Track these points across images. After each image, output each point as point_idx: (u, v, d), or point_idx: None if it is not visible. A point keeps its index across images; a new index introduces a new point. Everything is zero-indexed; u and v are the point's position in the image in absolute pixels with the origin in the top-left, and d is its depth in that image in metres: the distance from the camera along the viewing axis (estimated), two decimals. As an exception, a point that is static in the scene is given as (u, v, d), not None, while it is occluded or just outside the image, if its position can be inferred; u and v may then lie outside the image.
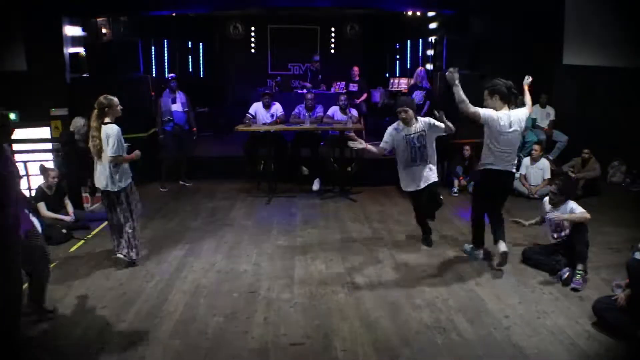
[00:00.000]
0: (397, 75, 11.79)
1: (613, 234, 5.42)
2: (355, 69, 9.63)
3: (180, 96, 7.68)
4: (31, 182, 6.62)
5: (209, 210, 6.56)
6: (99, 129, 4.56)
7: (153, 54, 9.83)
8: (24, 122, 7.34)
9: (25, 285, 3.63)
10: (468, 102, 4.33)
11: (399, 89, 10.47)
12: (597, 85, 8.08)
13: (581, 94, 8.40)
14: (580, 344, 3.38)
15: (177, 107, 7.64)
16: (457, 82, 4.34)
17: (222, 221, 6.11)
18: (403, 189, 5.07)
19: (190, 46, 11.77)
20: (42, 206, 5.66)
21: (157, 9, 8.37)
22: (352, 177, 7.37)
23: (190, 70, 11.70)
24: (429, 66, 9.58)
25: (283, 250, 5.17)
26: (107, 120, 4.57)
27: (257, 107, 7.60)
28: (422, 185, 4.86)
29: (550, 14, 8.38)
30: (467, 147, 7.41)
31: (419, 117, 4.89)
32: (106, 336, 3.52)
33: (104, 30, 8.76)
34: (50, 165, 6.23)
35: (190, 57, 11.76)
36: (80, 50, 7.96)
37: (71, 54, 7.77)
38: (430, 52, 9.90)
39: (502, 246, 4.47)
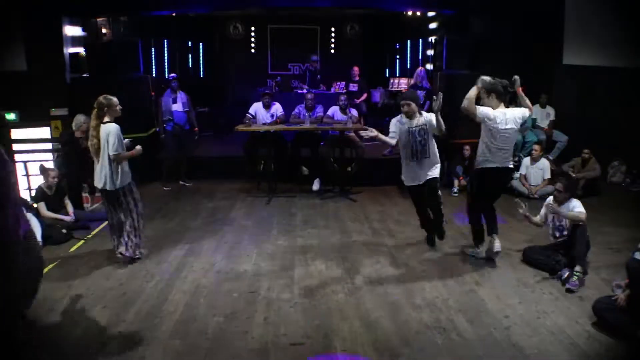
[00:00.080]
0: (397, 75, 11.79)
1: (613, 234, 5.42)
2: (355, 69, 9.63)
3: (181, 96, 7.69)
4: (31, 182, 6.63)
5: (209, 210, 6.56)
6: (97, 129, 4.58)
7: (153, 54, 9.83)
8: (24, 122, 7.35)
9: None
10: (470, 99, 4.50)
11: (399, 89, 10.46)
12: (597, 85, 8.08)
13: (581, 94, 8.40)
14: (580, 344, 3.38)
15: (177, 106, 7.65)
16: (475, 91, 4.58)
17: (222, 221, 6.12)
18: (405, 183, 5.05)
19: (190, 46, 11.76)
20: (42, 206, 5.66)
21: (157, 9, 8.37)
22: (352, 177, 7.37)
23: (190, 70, 11.69)
24: (429, 66, 9.58)
25: (283, 250, 5.17)
26: (106, 119, 4.59)
27: (257, 107, 7.60)
28: (423, 180, 4.86)
29: (550, 14, 8.38)
30: (467, 147, 7.41)
31: (422, 112, 4.87)
32: (106, 336, 3.52)
33: (104, 30, 8.76)
34: (50, 165, 6.24)
35: (190, 57, 11.76)
36: (80, 50, 7.96)
37: (71, 54, 7.78)
38: (430, 52, 9.90)
39: (497, 245, 4.69)
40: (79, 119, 6.20)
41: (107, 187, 4.65)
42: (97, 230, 5.81)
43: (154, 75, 9.22)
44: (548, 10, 8.31)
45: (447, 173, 7.57)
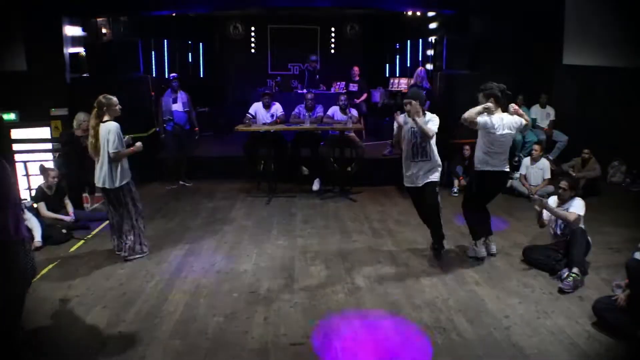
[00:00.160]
0: (397, 75, 11.79)
1: (613, 234, 5.42)
2: (355, 69, 9.63)
3: (181, 96, 7.69)
4: (31, 182, 6.62)
5: (209, 210, 6.56)
6: (97, 128, 4.59)
7: (153, 54, 9.83)
8: (24, 122, 7.35)
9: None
10: (472, 114, 4.55)
11: (399, 89, 10.47)
12: (597, 85, 8.08)
13: (581, 94, 8.41)
14: (580, 344, 3.38)
15: (177, 106, 7.65)
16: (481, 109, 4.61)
17: (222, 221, 6.11)
18: (404, 184, 4.96)
19: (190, 46, 11.76)
20: (42, 206, 5.66)
21: (157, 9, 8.37)
22: (352, 177, 7.37)
23: (190, 70, 11.69)
24: (429, 66, 9.58)
25: (283, 250, 5.17)
26: (106, 118, 4.61)
27: (257, 107, 7.60)
28: (421, 183, 4.76)
29: (550, 14, 8.38)
30: (467, 147, 7.41)
31: (427, 112, 4.75)
32: (106, 336, 3.52)
33: (104, 30, 8.77)
34: (50, 165, 6.24)
35: (190, 57, 11.76)
36: (80, 50, 7.96)
37: (71, 54, 7.78)
38: (430, 52, 9.90)
39: (493, 248, 4.94)
40: (80, 117, 6.21)
41: (107, 186, 4.67)
42: (97, 230, 5.81)
43: (154, 75, 9.23)
44: (548, 10, 8.31)
45: (447, 173, 7.57)
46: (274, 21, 12.22)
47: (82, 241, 5.42)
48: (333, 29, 12.57)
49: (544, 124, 8.64)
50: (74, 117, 6.41)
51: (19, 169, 6.62)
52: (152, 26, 9.53)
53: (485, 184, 4.74)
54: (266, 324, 3.67)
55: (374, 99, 10.82)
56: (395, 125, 4.86)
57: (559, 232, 4.62)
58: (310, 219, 6.21)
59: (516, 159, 8.07)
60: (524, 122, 4.66)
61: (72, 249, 5.23)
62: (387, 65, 12.65)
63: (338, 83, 9.77)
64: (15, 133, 7.12)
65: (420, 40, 10.51)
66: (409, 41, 11.26)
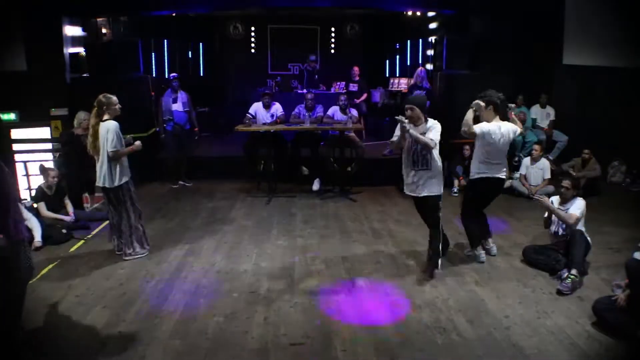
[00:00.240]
0: (397, 75, 11.78)
1: (613, 234, 5.42)
2: (355, 69, 9.63)
3: (181, 96, 7.69)
4: (31, 182, 6.63)
5: (209, 210, 6.56)
6: (96, 127, 4.60)
7: (153, 54, 9.83)
8: (24, 122, 7.35)
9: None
10: (470, 124, 4.57)
11: (399, 89, 10.47)
12: (597, 85, 8.08)
13: (581, 94, 8.41)
14: (580, 344, 3.38)
15: (177, 106, 7.65)
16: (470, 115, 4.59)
17: (222, 221, 6.11)
18: (405, 191, 4.70)
19: (190, 46, 11.76)
20: (42, 206, 5.66)
21: (157, 9, 8.37)
22: (352, 177, 7.37)
23: (190, 70, 11.69)
24: (429, 66, 9.58)
25: (283, 250, 5.17)
26: (105, 118, 4.62)
27: (257, 107, 7.60)
28: (422, 194, 4.46)
29: (550, 14, 8.38)
30: (467, 147, 7.41)
31: (429, 119, 4.44)
32: (106, 336, 3.52)
33: (104, 30, 8.77)
34: (50, 165, 6.24)
35: (190, 57, 11.76)
36: (80, 50, 7.96)
37: (71, 54, 7.78)
38: (430, 52, 9.91)
39: (493, 249, 4.94)
40: (80, 116, 6.21)
41: (107, 185, 4.69)
42: (97, 230, 5.81)
43: (154, 75, 9.22)
44: (548, 10, 8.31)
45: (447, 173, 7.57)
46: (274, 21, 12.22)
47: (82, 241, 5.42)
48: (333, 29, 12.57)
49: (544, 124, 8.65)
50: (74, 117, 6.42)
51: (19, 169, 6.62)
52: (152, 26, 9.53)
53: (481, 191, 4.78)
54: (266, 324, 3.67)
55: (374, 99, 10.82)
56: (397, 132, 4.50)
57: (560, 232, 4.61)
58: (310, 219, 6.21)
59: (516, 159, 8.08)
60: (518, 130, 4.73)
61: (72, 249, 5.22)
62: (387, 65, 12.65)
63: (338, 83, 9.77)
64: (15, 133, 7.13)
65: (420, 40, 10.51)
66: (409, 41, 11.26)
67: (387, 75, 12.32)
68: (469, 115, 4.58)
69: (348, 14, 12.25)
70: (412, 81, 8.43)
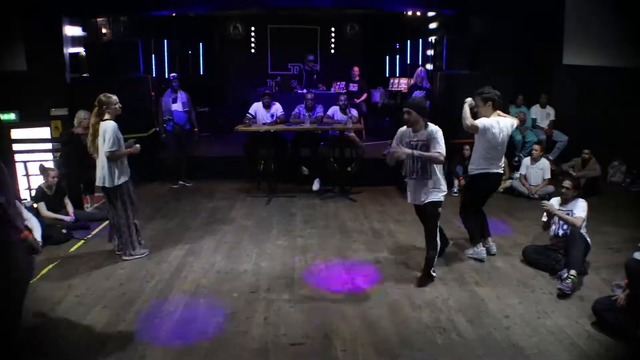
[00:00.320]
0: (397, 75, 11.79)
1: (613, 234, 5.42)
2: (355, 69, 9.63)
3: (181, 96, 7.69)
4: (31, 182, 6.62)
5: (209, 210, 6.56)
6: (96, 126, 4.61)
7: (153, 54, 9.83)
8: (24, 122, 7.35)
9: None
10: (468, 117, 4.62)
11: (399, 89, 10.47)
12: (597, 85, 8.09)
13: (581, 94, 8.41)
14: (580, 344, 3.38)
15: (177, 106, 7.65)
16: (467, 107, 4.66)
17: (222, 221, 6.11)
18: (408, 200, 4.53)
19: (190, 46, 11.76)
20: (42, 206, 5.66)
21: (157, 9, 8.37)
22: (352, 177, 7.37)
23: (190, 70, 11.69)
24: (429, 66, 9.58)
25: (283, 250, 5.17)
26: (106, 117, 4.62)
27: (257, 107, 7.60)
28: (423, 201, 4.28)
29: (550, 14, 8.38)
30: (467, 147, 7.40)
31: (429, 124, 4.22)
32: (106, 336, 3.52)
33: (104, 30, 8.77)
34: (50, 165, 6.24)
35: (190, 57, 11.75)
36: (80, 50, 7.96)
37: (71, 54, 7.77)
38: (430, 52, 9.91)
39: (493, 248, 4.96)
40: (81, 115, 6.21)
41: (106, 184, 4.69)
42: (97, 230, 5.81)
43: (154, 75, 9.23)
44: (548, 10, 8.32)
45: (447, 173, 7.57)
46: (274, 21, 12.22)
47: (82, 241, 5.42)
48: (333, 29, 12.57)
49: (544, 124, 8.65)
50: (74, 117, 6.42)
51: (19, 169, 6.62)
52: (152, 26, 9.53)
53: (481, 186, 4.81)
54: (266, 324, 3.67)
55: (374, 99, 10.82)
56: (395, 143, 4.35)
57: (560, 233, 4.61)
58: (310, 219, 6.21)
59: (516, 159, 8.08)
60: (515, 123, 4.78)
61: (72, 249, 5.23)
62: (387, 65, 12.65)
63: (338, 83, 9.77)
64: (15, 133, 7.13)
65: (420, 40, 10.51)
66: (409, 41, 11.26)
67: (387, 75, 12.31)
68: (467, 110, 4.61)
69: (348, 14, 12.25)
70: (412, 81, 8.43)
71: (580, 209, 4.49)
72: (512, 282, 4.37)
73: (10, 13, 7.24)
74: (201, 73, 12.20)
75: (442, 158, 4.11)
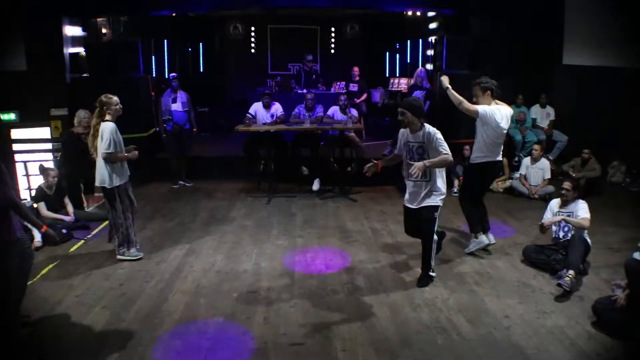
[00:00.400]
0: (397, 75, 11.79)
1: (613, 234, 5.42)
2: (355, 69, 9.64)
3: (181, 95, 7.69)
4: (31, 182, 6.63)
5: (209, 210, 6.56)
6: (97, 127, 4.62)
7: (153, 54, 9.83)
8: (24, 122, 7.35)
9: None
10: (465, 100, 4.62)
11: (399, 89, 10.48)
12: (597, 85, 8.08)
13: (581, 94, 8.40)
14: (580, 344, 3.38)
15: (177, 106, 7.65)
16: (447, 85, 4.68)
17: (222, 221, 6.11)
18: (403, 202, 4.45)
19: (190, 46, 11.75)
20: (42, 206, 5.66)
21: (157, 9, 8.37)
22: (352, 177, 7.36)
23: (190, 70, 11.69)
24: (429, 66, 9.58)
25: (283, 250, 5.17)
26: (107, 118, 4.62)
27: (257, 107, 7.60)
28: (421, 204, 4.18)
29: (550, 14, 8.38)
30: (466, 147, 7.40)
31: (426, 125, 4.10)
32: (106, 336, 3.52)
33: (104, 30, 8.77)
34: (50, 165, 6.24)
35: (190, 57, 11.75)
36: (80, 50, 7.96)
37: (71, 54, 7.78)
38: (430, 52, 9.91)
39: (492, 238, 4.96)
40: (80, 114, 6.22)
41: (105, 185, 4.69)
42: (97, 230, 5.80)
43: (154, 75, 9.23)
44: (548, 11, 8.31)
45: (447, 173, 7.56)
46: (274, 21, 12.23)
47: (82, 241, 5.42)
48: (333, 29, 12.58)
49: (544, 124, 8.64)
50: (74, 117, 6.41)
51: (19, 169, 6.62)
52: (152, 26, 9.53)
53: (482, 174, 4.87)
54: (266, 324, 3.67)
55: (374, 99, 10.83)
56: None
57: (561, 234, 4.62)
58: (310, 219, 6.21)
59: (516, 159, 8.08)
60: (511, 110, 4.84)
61: (72, 249, 5.22)
62: (387, 65, 12.65)
63: (338, 83, 9.78)
64: (15, 133, 7.13)
65: (420, 40, 10.51)
66: (409, 41, 11.26)
67: (387, 75, 12.32)
68: (455, 93, 4.63)
69: (348, 14, 12.25)
70: (412, 81, 8.43)
71: (583, 210, 4.50)
72: (512, 282, 4.37)
73: (10, 13, 7.24)
74: (201, 73, 12.19)
75: (451, 158, 4.02)
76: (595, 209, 4.62)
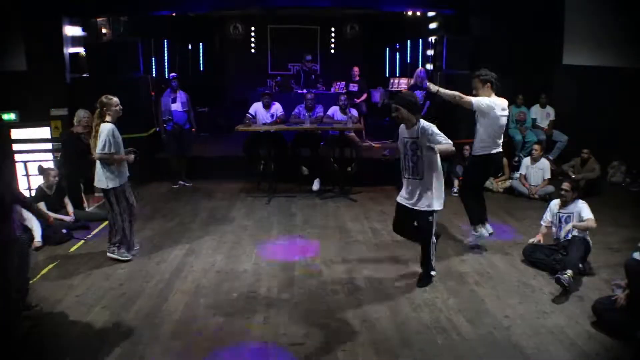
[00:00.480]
0: (397, 75, 11.79)
1: (613, 234, 5.42)
2: (355, 69, 9.63)
3: (180, 95, 7.69)
4: (31, 182, 6.62)
5: (208, 210, 6.56)
6: (97, 128, 4.62)
7: (153, 54, 9.83)
8: (24, 122, 7.35)
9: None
10: (459, 93, 4.68)
11: (399, 89, 10.45)
12: (597, 85, 8.08)
13: (581, 94, 8.40)
14: (580, 344, 3.38)
15: (176, 106, 7.65)
16: (436, 89, 4.71)
17: (222, 221, 6.11)
18: (397, 199, 4.36)
19: (190, 46, 11.75)
20: (42, 206, 5.65)
21: (157, 9, 8.37)
22: (352, 177, 7.37)
23: (190, 70, 11.69)
24: (429, 66, 9.58)
25: (283, 250, 5.17)
26: (107, 119, 4.62)
27: (257, 107, 7.60)
28: (414, 205, 4.09)
29: (550, 14, 8.38)
30: (466, 147, 7.40)
31: (421, 120, 4.03)
32: (106, 336, 3.52)
33: (104, 30, 8.77)
34: (50, 165, 6.24)
35: (190, 57, 11.75)
36: (80, 50, 7.96)
37: (71, 54, 7.77)
38: (430, 52, 9.91)
39: (489, 228, 5.03)
40: (80, 114, 6.22)
41: (101, 186, 4.70)
42: (97, 230, 5.80)
43: (154, 75, 9.23)
44: (548, 10, 8.31)
45: (447, 173, 7.57)
46: (274, 21, 12.23)
47: (82, 241, 5.42)
48: (333, 29, 12.58)
49: (543, 124, 8.64)
50: (74, 117, 6.42)
51: (19, 169, 6.62)
52: (152, 26, 9.52)
53: (484, 166, 4.93)
54: (266, 324, 3.67)
55: (374, 99, 10.82)
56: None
57: (562, 235, 4.61)
58: (310, 219, 6.21)
59: (516, 159, 8.08)
60: (506, 102, 4.85)
61: (72, 249, 5.23)
62: (387, 65, 12.65)
63: (338, 83, 9.77)
64: (15, 133, 7.13)
65: (420, 40, 10.51)
66: (409, 41, 11.26)
67: (387, 75, 12.31)
68: (446, 91, 4.67)
69: (348, 14, 12.25)
70: (412, 81, 8.43)
71: (586, 211, 4.51)
72: (512, 282, 4.37)
73: (10, 13, 7.24)
74: (201, 73, 12.19)
75: (453, 147, 3.95)
76: (595, 209, 4.62)
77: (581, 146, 7.54)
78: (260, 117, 7.53)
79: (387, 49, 12.49)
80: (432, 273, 4.32)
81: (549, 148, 8.35)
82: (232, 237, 5.53)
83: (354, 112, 7.49)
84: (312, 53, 10.78)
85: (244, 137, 7.63)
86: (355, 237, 5.54)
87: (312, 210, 6.60)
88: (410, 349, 3.35)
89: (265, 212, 6.52)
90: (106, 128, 4.58)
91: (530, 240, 4.80)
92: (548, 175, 7.10)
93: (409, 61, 11.32)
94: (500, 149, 4.88)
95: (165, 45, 10.57)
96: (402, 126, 4.18)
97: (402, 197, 4.24)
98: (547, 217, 4.82)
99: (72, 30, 7.82)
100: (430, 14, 9.64)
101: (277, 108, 7.57)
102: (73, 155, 6.21)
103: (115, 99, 4.68)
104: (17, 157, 6.70)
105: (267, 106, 7.55)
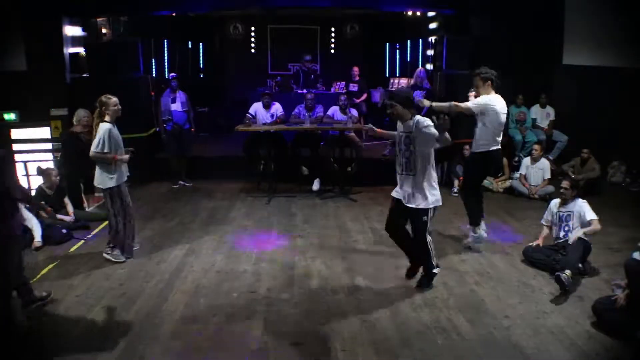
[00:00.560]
0: (397, 75, 11.79)
1: (613, 234, 5.42)
2: (355, 69, 9.63)
3: (180, 95, 7.69)
4: (31, 182, 6.63)
5: (209, 210, 6.56)
6: (96, 128, 4.63)
7: (153, 54, 9.83)
8: (24, 122, 7.35)
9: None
10: (454, 102, 4.72)
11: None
12: (597, 85, 8.08)
13: (581, 94, 8.40)
14: (580, 344, 3.38)
15: (176, 106, 7.65)
16: (429, 103, 4.76)
17: (222, 221, 6.11)
18: (392, 193, 4.31)
19: (190, 46, 11.75)
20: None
21: (157, 9, 8.37)
22: (352, 177, 7.37)
23: (190, 70, 11.69)
24: (429, 66, 9.58)
25: (283, 250, 5.17)
26: (106, 119, 4.63)
27: (257, 107, 7.60)
28: (408, 203, 4.04)
29: (550, 14, 8.38)
30: (466, 147, 7.38)
31: (417, 116, 4.00)
32: (106, 336, 3.52)
33: (104, 30, 8.77)
34: (50, 165, 6.24)
35: (190, 57, 11.75)
36: (80, 50, 7.96)
37: (71, 54, 7.77)
38: (430, 52, 9.90)
39: (484, 226, 5.06)
40: (80, 113, 6.22)
41: (100, 185, 4.70)
42: (97, 230, 5.80)
43: (154, 75, 9.23)
44: (548, 10, 8.31)
45: (447, 173, 7.58)
46: (274, 21, 12.22)
47: (82, 241, 5.42)
48: (333, 29, 12.57)
49: (543, 124, 8.64)
50: (76, 111, 6.41)
51: (19, 169, 6.62)
52: (152, 26, 9.53)
53: (485, 163, 4.95)
54: (266, 324, 3.67)
55: (374, 99, 10.81)
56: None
57: (562, 235, 4.62)
58: (310, 219, 6.21)
59: (516, 159, 8.08)
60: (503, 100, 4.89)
61: (72, 249, 5.22)
62: (387, 65, 12.65)
63: (338, 83, 9.77)
64: (15, 133, 7.13)
65: (420, 40, 10.50)
66: (409, 41, 11.26)
67: (387, 75, 12.31)
68: (442, 104, 4.72)
69: (348, 14, 12.24)
70: (412, 81, 8.44)
71: (589, 212, 4.51)
72: (512, 282, 4.37)
73: (10, 13, 7.24)
74: (201, 73, 12.19)
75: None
76: (595, 209, 4.62)
77: (581, 146, 7.54)
78: (260, 117, 7.53)
79: (387, 48, 12.49)
80: (436, 270, 4.22)
81: (549, 148, 8.35)
82: (232, 237, 5.53)
83: (354, 112, 7.49)
84: (312, 53, 10.78)
85: (244, 137, 7.63)
86: (355, 237, 5.54)
87: (312, 210, 6.60)
88: (410, 349, 3.35)
89: (265, 212, 6.52)
90: (103, 128, 4.58)
91: (530, 244, 4.82)
92: (548, 175, 7.10)
93: (409, 61, 11.32)
94: (499, 147, 4.90)
95: (165, 45, 10.57)
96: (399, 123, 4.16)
97: (396, 192, 4.18)
98: (547, 217, 4.82)
99: (72, 30, 7.82)
100: (430, 14, 9.63)
101: (277, 108, 7.58)
102: (73, 155, 6.20)
103: (114, 99, 4.68)
104: (17, 157, 6.72)
105: (267, 106, 7.55)
